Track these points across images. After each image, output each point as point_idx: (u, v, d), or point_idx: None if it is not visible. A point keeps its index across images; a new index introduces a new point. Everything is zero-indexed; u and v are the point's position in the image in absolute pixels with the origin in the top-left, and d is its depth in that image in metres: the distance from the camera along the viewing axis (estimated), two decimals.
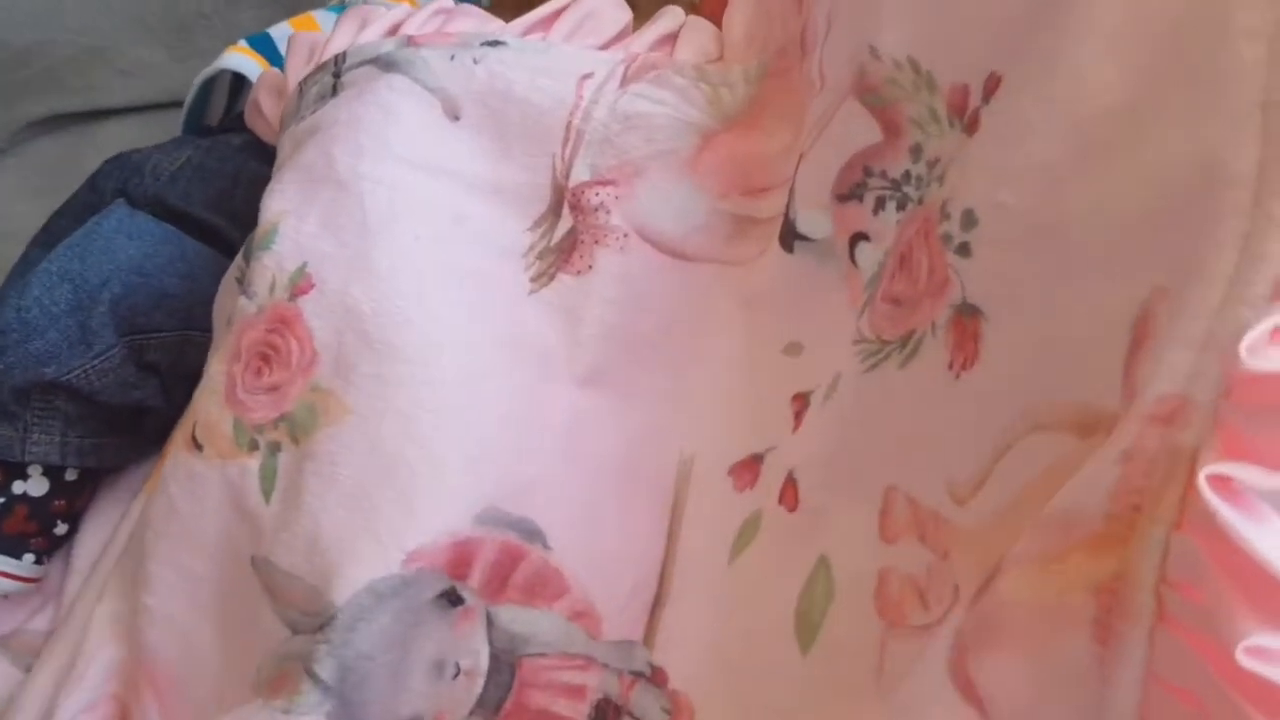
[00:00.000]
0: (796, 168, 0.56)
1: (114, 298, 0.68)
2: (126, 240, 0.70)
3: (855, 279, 0.50)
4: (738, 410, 0.55)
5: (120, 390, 0.68)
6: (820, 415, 0.49)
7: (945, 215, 0.42)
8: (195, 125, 0.89)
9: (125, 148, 0.82)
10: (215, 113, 0.90)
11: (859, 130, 0.50)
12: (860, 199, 0.51)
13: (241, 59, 0.86)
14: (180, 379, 0.69)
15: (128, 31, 0.99)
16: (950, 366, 0.41)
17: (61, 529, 0.71)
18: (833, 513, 0.47)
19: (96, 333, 0.67)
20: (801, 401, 0.51)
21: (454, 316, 0.57)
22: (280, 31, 0.89)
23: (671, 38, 0.66)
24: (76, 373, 0.67)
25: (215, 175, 0.78)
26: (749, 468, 0.53)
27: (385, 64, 0.64)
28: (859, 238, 0.51)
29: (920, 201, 0.46)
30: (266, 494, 0.55)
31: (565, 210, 0.60)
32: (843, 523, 0.46)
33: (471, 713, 0.51)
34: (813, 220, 0.54)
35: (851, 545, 0.45)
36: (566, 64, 0.63)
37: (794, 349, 0.54)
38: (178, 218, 0.76)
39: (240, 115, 0.80)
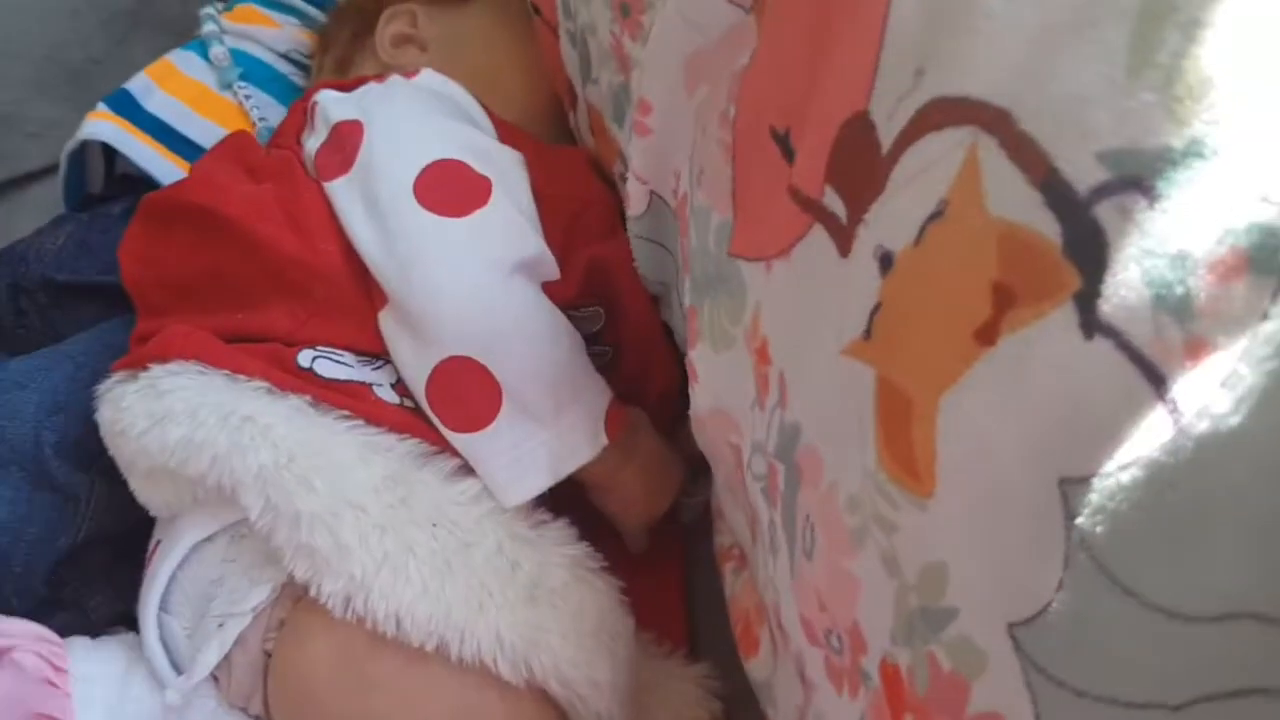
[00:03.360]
0: None
1: (54, 446, 0.66)
2: (21, 390, 0.68)
3: None
4: None
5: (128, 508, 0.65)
6: None
7: None
8: (76, 197, 0.89)
9: (55, 206, 0.84)
10: (95, 178, 0.90)
11: None
12: None
13: (102, 125, 0.85)
14: None
15: (26, 94, 0.97)
16: None
17: None
18: None
19: (65, 487, 0.66)
20: None
21: None
22: (138, 85, 0.89)
23: None
24: (83, 528, 0.66)
25: (99, 247, 0.77)
26: None
27: None
28: None
29: None
30: None
31: None
32: None
33: None
34: None
35: None
36: None
37: None
38: (73, 292, 0.76)
39: (121, 179, 0.81)
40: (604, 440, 0.62)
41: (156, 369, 0.59)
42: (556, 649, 0.56)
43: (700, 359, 0.54)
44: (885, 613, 0.38)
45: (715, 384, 0.53)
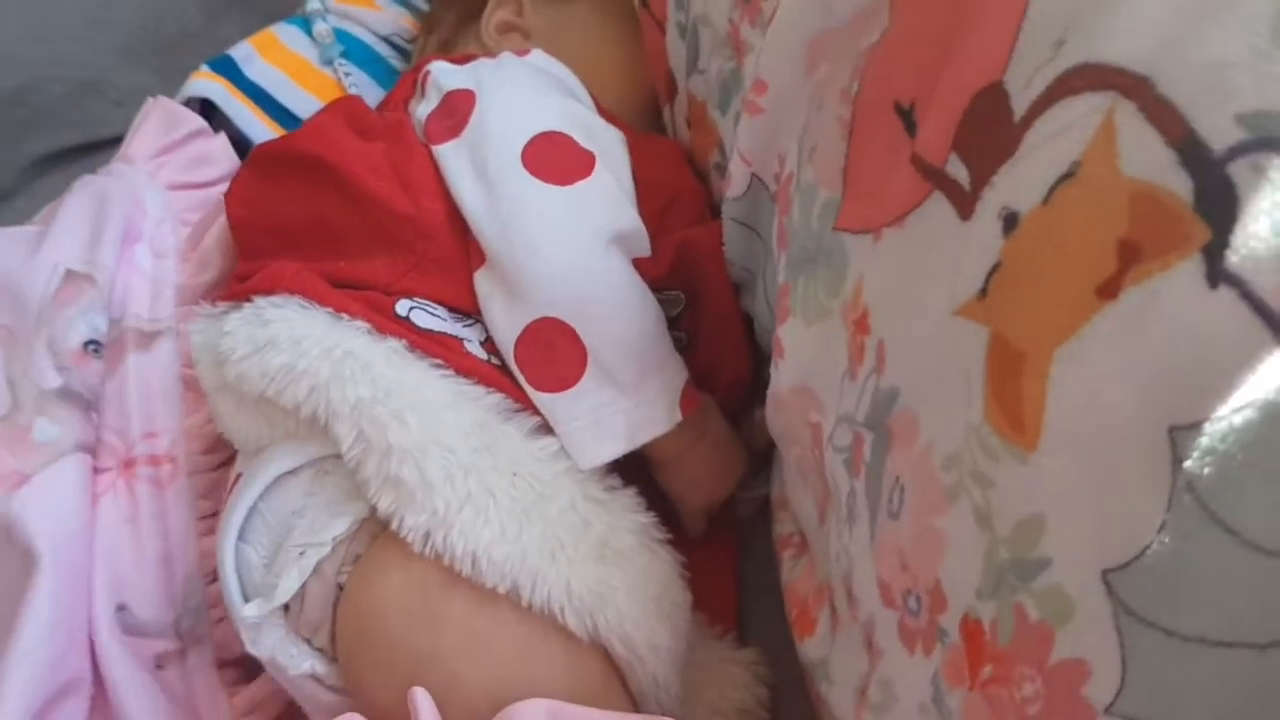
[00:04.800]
0: None
1: None
2: None
3: None
4: None
5: None
6: None
7: None
8: None
9: None
10: None
11: None
12: None
13: (208, 84, 0.88)
14: None
15: (116, 62, 0.98)
16: None
17: None
18: None
19: None
20: None
21: None
22: (241, 53, 0.91)
23: None
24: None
25: None
26: None
27: None
28: None
29: None
30: None
31: None
32: None
33: None
34: None
35: None
36: None
37: None
38: None
39: None
40: (679, 416, 0.64)
41: (261, 300, 0.62)
42: (622, 607, 0.58)
43: (789, 333, 0.55)
44: (972, 568, 0.39)
45: (803, 358, 0.55)
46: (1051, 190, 0.35)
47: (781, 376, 0.57)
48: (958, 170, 0.40)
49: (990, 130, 0.39)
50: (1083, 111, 0.34)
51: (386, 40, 0.98)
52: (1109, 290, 0.33)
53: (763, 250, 0.64)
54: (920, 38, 0.44)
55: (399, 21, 0.98)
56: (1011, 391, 0.36)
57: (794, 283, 0.54)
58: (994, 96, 0.39)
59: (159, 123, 0.81)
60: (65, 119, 0.99)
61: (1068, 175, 0.35)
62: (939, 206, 0.42)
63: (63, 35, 0.97)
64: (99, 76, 0.99)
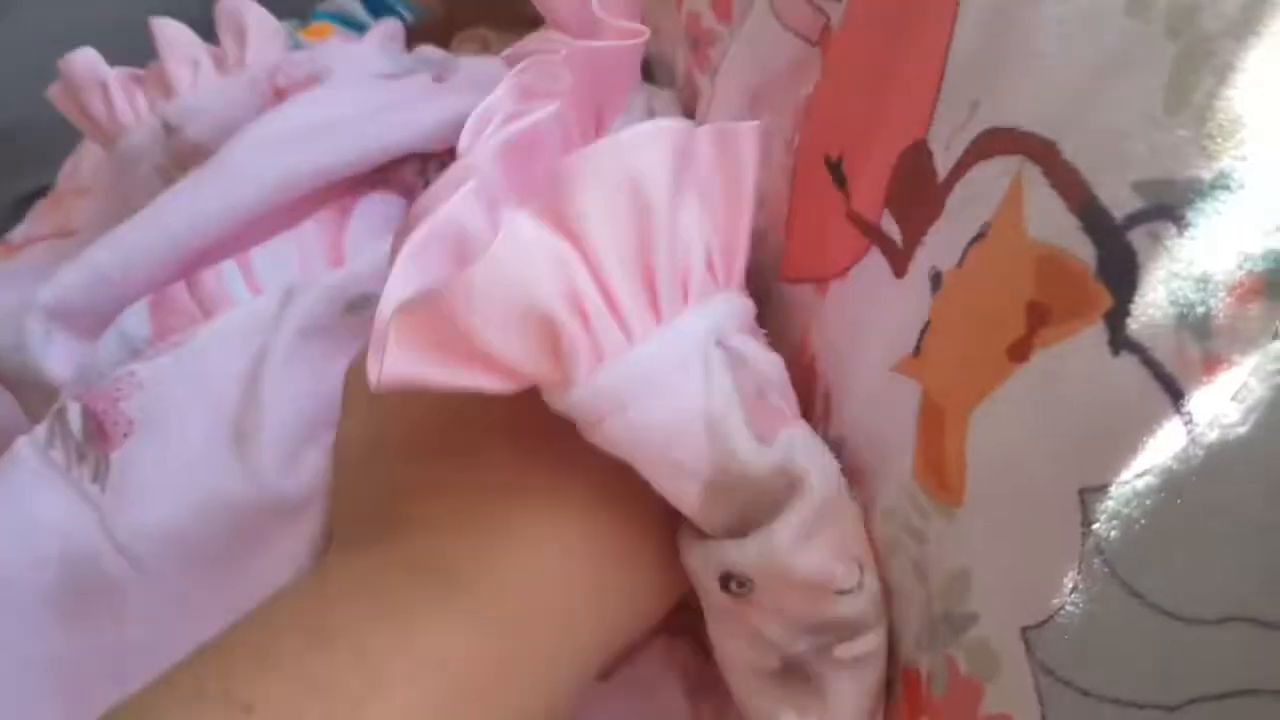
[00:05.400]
0: None
1: None
2: None
3: None
4: None
5: None
6: None
7: None
8: None
9: None
10: None
11: None
12: None
13: None
14: None
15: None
16: None
17: None
18: None
19: None
20: None
21: None
22: None
23: None
24: None
25: None
26: None
27: None
28: None
29: None
30: None
31: None
32: None
33: None
34: None
35: None
36: None
37: None
38: None
39: None
40: None
41: None
42: None
43: None
44: (912, 619, 0.40)
45: None
46: (965, 252, 0.36)
47: None
48: (891, 228, 0.41)
49: (917, 189, 0.39)
50: (994, 174, 0.35)
51: None
52: (1019, 353, 0.33)
53: None
54: (847, 92, 0.45)
55: None
56: (937, 450, 0.37)
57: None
58: (918, 155, 0.39)
59: None
60: (54, 156, 0.98)
61: (979, 236, 0.35)
62: (877, 263, 0.42)
63: (50, 73, 0.97)
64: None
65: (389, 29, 0.77)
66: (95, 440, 0.52)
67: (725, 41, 0.57)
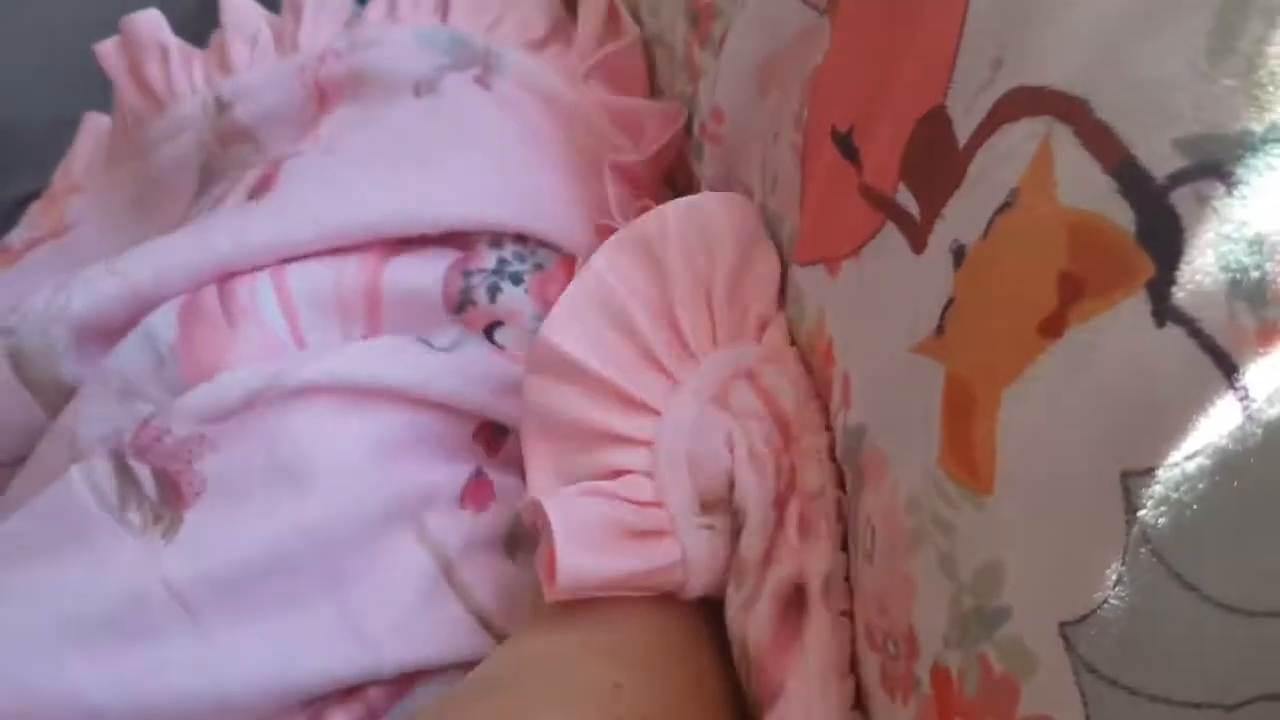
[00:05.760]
0: None
1: None
2: None
3: None
4: None
5: None
6: None
7: None
8: None
9: None
10: None
11: None
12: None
13: None
14: None
15: (94, 96, 0.93)
16: None
17: None
18: None
19: None
20: None
21: None
22: None
23: None
24: None
25: None
26: None
27: None
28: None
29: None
30: None
31: None
32: None
33: None
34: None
35: None
36: None
37: None
38: None
39: None
40: None
41: None
42: None
43: None
44: (939, 615, 0.37)
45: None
46: (990, 222, 0.33)
47: None
48: (908, 201, 0.39)
49: (935, 159, 0.37)
50: (1020, 138, 0.33)
51: None
52: (1053, 328, 0.31)
53: None
54: (855, 60, 0.43)
55: None
56: (964, 434, 0.34)
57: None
58: (936, 122, 0.37)
59: None
60: (48, 160, 0.95)
61: (1005, 205, 0.33)
62: (892, 238, 0.40)
63: (36, 73, 0.97)
64: (76, 114, 0.95)
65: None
66: (170, 500, 0.52)
67: (727, 16, 0.55)
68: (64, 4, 0.99)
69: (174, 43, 0.72)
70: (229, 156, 0.70)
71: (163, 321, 0.57)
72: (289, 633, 0.50)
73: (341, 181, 0.62)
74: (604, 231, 0.59)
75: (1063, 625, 0.31)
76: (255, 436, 0.52)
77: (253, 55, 0.72)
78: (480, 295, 0.57)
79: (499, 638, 0.52)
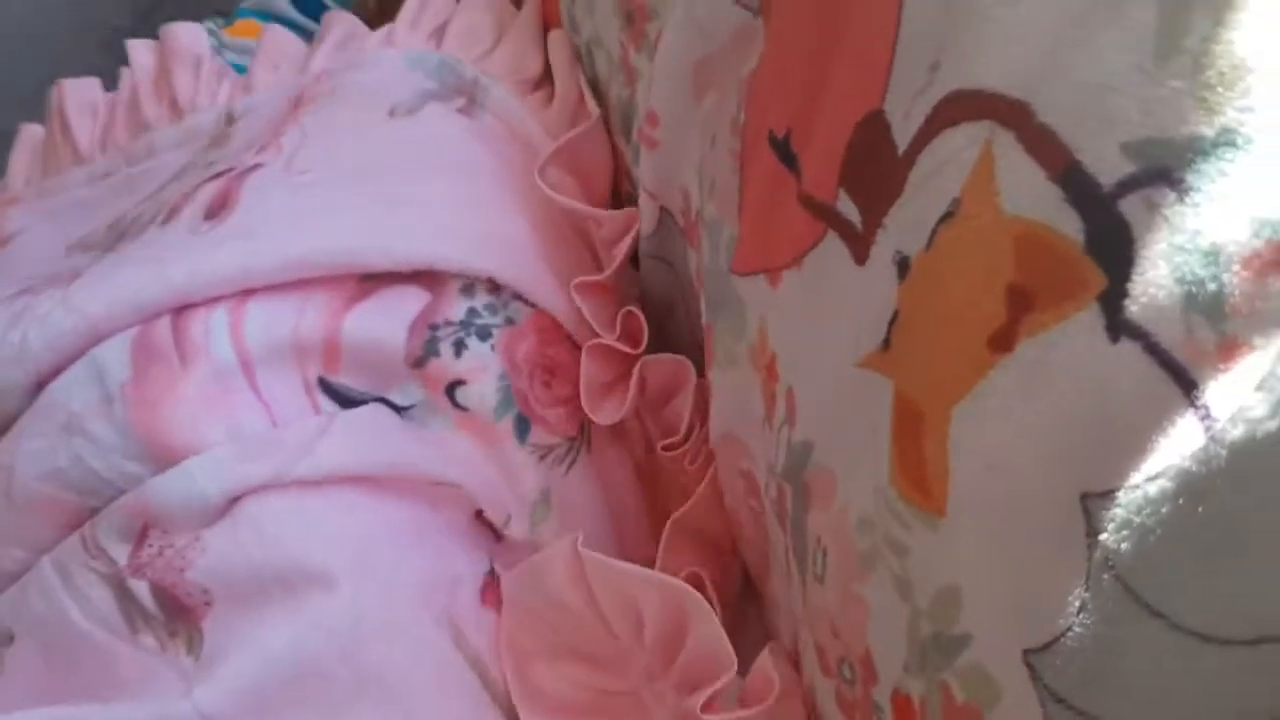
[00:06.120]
0: None
1: None
2: None
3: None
4: None
5: None
6: None
7: None
8: None
9: None
10: None
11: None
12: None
13: None
14: None
15: (17, 109, 0.91)
16: None
17: None
18: None
19: None
20: None
21: None
22: None
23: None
24: None
25: None
26: None
27: None
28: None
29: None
30: None
31: None
32: None
33: None
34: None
35: None
36: None
37: None
38: None
39: None
40: None
41: None
42: None
43: (714, 379, 0.52)
44: (898, 640, 0.36)
45: (725, 404, 0.52)
46: (934, 232, 0.32)
47: (712, 425, 0.54)
48: (849, 209, 0.37)
49: (875, 165, 0.35)
50: (961, 144, 0.31)
51: None
52: (1003, 343, 0.29)
53: (676, 282, 0.61)
54: (790, 63, 0.41)
55: None
56: (915, 453, 0.33)
57: (714, 325, 0.51)
58: (875, 127, 0.35)
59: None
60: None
61: (948, 215, 0.31)
62: (834, 248, 0.38)
63: None
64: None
65: (346, 26, 0.76)
66: (179, 615, 0.50)
67: (661, 17, 0.53)
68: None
69: (208, 57, 0.75)
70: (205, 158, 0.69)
71: (115, 358, 0.54)
72: None
73: (307, 207, 0.60)
74: (581, 289, 0.58)
75: (1026, 653, 0.30)
76: (254, 537, 0.51)
77: (275, 79, 0.73)
78: (445, 350, 0.56)
79: None
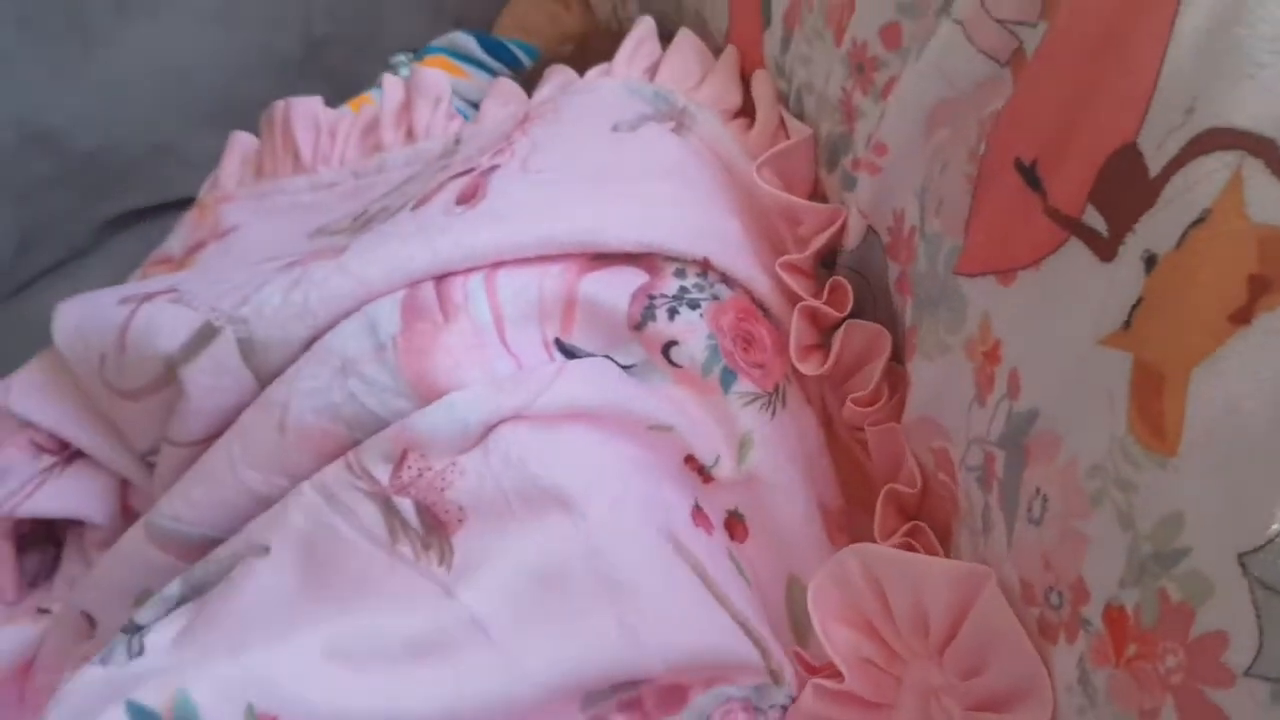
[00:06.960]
0: None
1: None
2: None
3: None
4: None
5: None
6: None
7: None
8: None
9: None
10: None
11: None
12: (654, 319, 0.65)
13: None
14: None
15: (190, 125, 1.02)
16: None
17: None
18: None
19: None
20: None
21: None
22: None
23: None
24: None
25: None
26: None
27: None
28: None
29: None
30: None
31: None
32: None
33: None
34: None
35: None
36: None
37: None
38: None
39: None
40: None
41: None
42: None
43: (915, 370, 0.62)
44: (1115, 563, 0.44)
45: (924, 393, 0.61)
46: (1184, 235, 0.42)
47: (908, 409, 0.63)
48: (1095, 220, 0.47)
49: (1127, 185, 0.45)
50: (1213, 167, 0.41)
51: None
52: (1242, 317, 0.39)
53: (868, 291, 0.71)
54: (1042, 105, 0.51)
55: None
56: (1153, 407, 0.42)
57: (919, 324, 0.61)
58: (1129, 156, 0.45)
59: None
60: (138, 181, 1.03)
61: (1198, 221, 0.41)
62: (1076, 251, 0.48)
63: (139, 99, 1.02)
64: (173, 140, 1.04)
65: (567, 75, 0.87)
66: (435, 529, 0.58)
67: (892, 67, 0.64)
68: (167, 40, 1.05)
69: (448, 99, 0.88)
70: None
71: (386, 314, 0.64)
72: (571, 638, 0.55)
73: (550, 198, 0.70)
74: (786, 268, 0.68)
75: (1241, 555, 0.38)
76: (502, 461, 0.59)
77: (433, 115, 0.86)
78: (660, 315, 0.65)
79: (759, 647, 0.59)
